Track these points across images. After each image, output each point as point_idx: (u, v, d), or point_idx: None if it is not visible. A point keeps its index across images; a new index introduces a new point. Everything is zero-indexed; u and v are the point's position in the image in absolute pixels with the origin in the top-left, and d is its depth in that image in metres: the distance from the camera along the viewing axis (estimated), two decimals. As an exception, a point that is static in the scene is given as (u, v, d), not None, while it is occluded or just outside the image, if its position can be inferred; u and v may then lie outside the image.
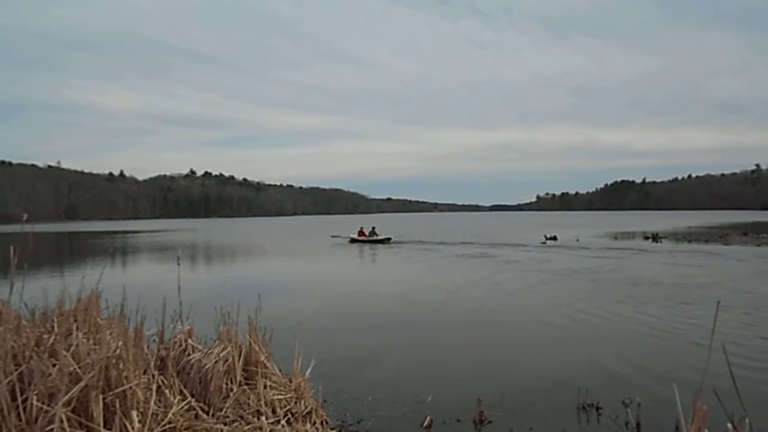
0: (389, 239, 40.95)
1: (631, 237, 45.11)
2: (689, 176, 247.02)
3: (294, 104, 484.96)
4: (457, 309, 12.88)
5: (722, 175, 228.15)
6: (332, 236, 45.01)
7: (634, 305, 12.82)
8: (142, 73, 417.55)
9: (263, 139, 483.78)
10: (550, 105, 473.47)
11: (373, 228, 43.68)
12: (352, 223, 75.14)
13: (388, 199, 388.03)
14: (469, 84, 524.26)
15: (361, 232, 43.00)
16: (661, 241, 37.59)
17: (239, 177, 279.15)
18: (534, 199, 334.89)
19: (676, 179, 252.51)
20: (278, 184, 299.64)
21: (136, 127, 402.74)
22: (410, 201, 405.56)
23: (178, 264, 7.89)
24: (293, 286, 17.26)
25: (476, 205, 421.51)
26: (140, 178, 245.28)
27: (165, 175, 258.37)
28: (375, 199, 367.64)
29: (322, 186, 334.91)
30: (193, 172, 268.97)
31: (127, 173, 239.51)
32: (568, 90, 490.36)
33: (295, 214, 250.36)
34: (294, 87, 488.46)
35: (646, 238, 41.62)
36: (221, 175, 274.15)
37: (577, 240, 39.60)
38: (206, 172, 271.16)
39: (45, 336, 5.22)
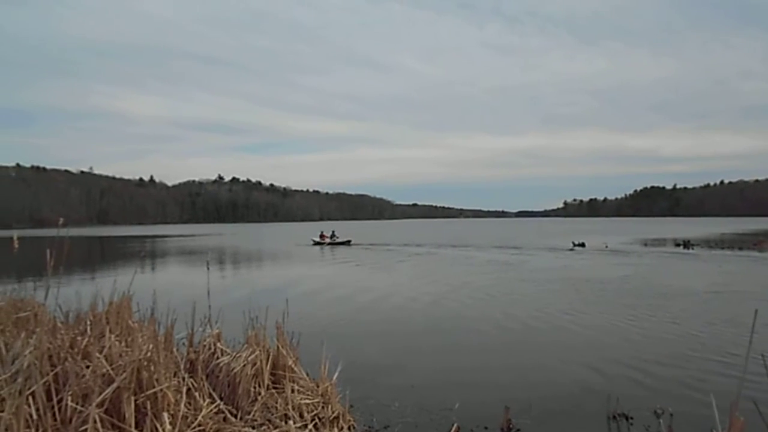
0: (349, 242, 47.27)
1: (662, 244, 44.24)
2: (721, 182, 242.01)
3: (319, 110, 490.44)
4: (482, 314, 12.79)
5: (756, 180, 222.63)
6: (312, 240, 50.02)
7: (666, 313, 12.56)
8: (167, 79, 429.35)
9: (289, 145, 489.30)
10: (575, 110, 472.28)
11: (333, 231, 50.85)
12: (381, 228, 76.13)
13: (414, 205, 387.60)
14: (494, 89, 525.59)
15: (322, 236, 49.30)
16: (693, 248, 36.75)
17: (266, 183, 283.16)
18: (561, 205, 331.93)
19: (707, 185, 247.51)
20: (304, 189, 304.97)
21: (164, 133, 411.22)
22: (436, 207, 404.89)
23: (208, 268, 7.93)
24: (316, 290, 17.38)
25: (502, 211, 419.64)
26: (169, 183, 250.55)
27: (193, 181, 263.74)
28: (401, 205, 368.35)
29: (348, 192, 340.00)
30: (220, 178, 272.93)
31: (156, 179, 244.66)
32: (593, 94, 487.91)
33: (321, 219, 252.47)
34: (318, 93, 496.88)
35: (678, 245, 40.75)
36: (248, 180, 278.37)
37: (606, 246, 39.00)
38: (233, 178, 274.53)
39: (79, 338, 5.34)
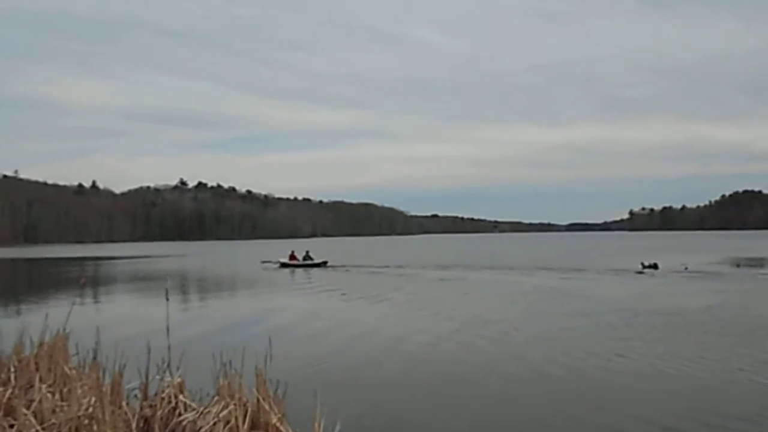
0: (325, 263, 50.29)
1: (759, 265, 43.92)
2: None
3: (310, 96, 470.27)
4: (514, 354, 12.71)
5: None
6: (262, 262, 52.72)
7: (763, 356, 12.41)
8: (116, 57, 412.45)
9: (272, 140, 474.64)
10: (643, 92, 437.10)
11: (307, 252, 52.75)
12: (390, 247, 76.08)
13: (434, 217, 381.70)
14: (537, 68, 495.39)
15: (292, 256, 51.90)
16: (800, 271, 36.44)
17: (241, 189, 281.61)
18: (626, 216, 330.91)
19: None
20: (291, 197, 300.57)
21: (110, 127, 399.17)
22: (462, 219, 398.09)
23: (167, 299, 7.87)
24: (297, 324, 17.70)
25: (549, 224, 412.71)
26: (117, 190, 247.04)
27: (148, 187, 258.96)
28: (416, 217, 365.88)
29: (348, 200, 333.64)
30: (183, 183, 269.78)
31: (100, 185, 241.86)
32: (666, 73, 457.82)
33: (313, 235, 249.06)
34: (309, 75, 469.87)
35: (780, 265, 40.40)
36: (219, 186, 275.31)
37: (686, 268, 38.72)
38: (200, 183, 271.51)
39: (0, 389, 5.33)
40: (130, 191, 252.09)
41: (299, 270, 46.58)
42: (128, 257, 78.04)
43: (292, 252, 53.20)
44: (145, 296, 27.81)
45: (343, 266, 48.80)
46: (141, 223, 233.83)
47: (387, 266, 47.76)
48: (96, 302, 25.46)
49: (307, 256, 51.43)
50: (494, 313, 19.91)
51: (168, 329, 6.86)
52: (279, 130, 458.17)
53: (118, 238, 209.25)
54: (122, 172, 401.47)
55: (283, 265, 50.16)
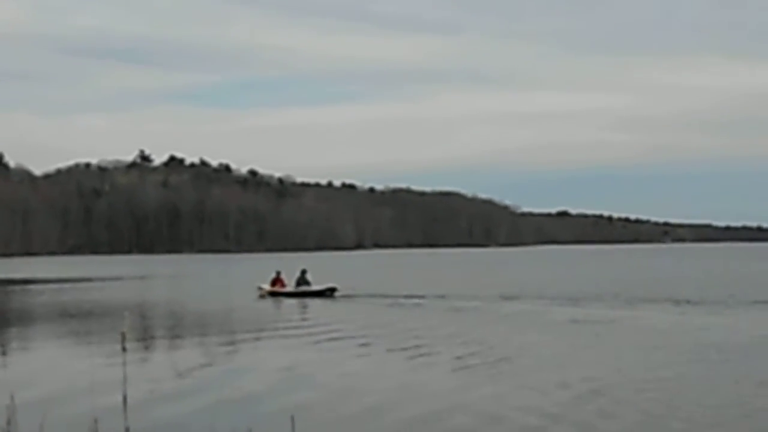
0: (332, 290, 37.02)
1: None
2: None
3: (351, 11, 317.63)
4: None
5: None
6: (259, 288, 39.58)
7: None
8: None
9: (288, 87, 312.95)
10: None
11: (303, 272, 39.02)
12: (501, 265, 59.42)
13: (561, 215, 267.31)
14: None
15: (276, 280, 38.86)
16: None
17: (241, 168, 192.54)
18: None
19: None
20: (323, 183, 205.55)
21: (23, 65, 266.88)
22: (608, 219, 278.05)
23: (124, 349, 6.44)
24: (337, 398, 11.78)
25: (759, 228, 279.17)
26: (37, 170, 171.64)
27: (87, 166, 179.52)
28: (531, 215, 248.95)
29: (417, 187, 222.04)
30: (145, 159, 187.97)
31: (9, 161, 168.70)
32: None
33: (359, 246, 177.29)
34: None
35: None
36: (203, 164, 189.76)
37: None
38: (172, 159, 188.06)
39: None
40: (58, 172, 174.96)
41: (293, 301, 35.39)
42: (56, 280, 57.99)
43: (278, 274, 39.26)
44: (86, 343, 21.01)
45: (370, 295, 36.72)
46: (76, 223, 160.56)
47: (476, 298, 33.77)
48: (5, 353, 19.20)
49: (302, 279, 38.29)
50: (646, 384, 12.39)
51: (125, 400, 5.62)
52: (300, 70, 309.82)
53: (40, 248, 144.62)
54: (45, 141, 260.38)
55: (269, 294, 37.83)
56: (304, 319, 28.63)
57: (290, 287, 38.25)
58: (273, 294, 37.93)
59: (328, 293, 36.80)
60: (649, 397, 11.18)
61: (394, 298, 35.27)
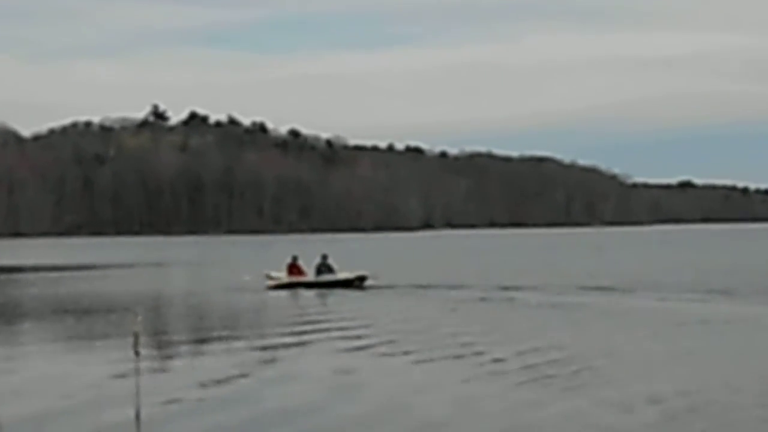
0: (362, 279, 33.51)
1: None
2: None
3: None
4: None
5: None
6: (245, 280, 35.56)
7: None
8: None
9: (337, 26, 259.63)
10: None
11: (324, 257, 35.29)
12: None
13: (684, 186, 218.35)
14: None
15: (293, 267, 35.02)
16: None
17: (279, 128, 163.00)
18: None
19: None
20: (382, 146, 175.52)
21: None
22: (745, 190, 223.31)
23: (137, 353, 5.81)
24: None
25: None
26: (26, 131, 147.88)
27: (87, 125, 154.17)
28: (646, 187, 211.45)
29: (501, 151, 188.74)
30: (158, 116, 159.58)
31: None
32: None
33: (429, 226, 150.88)
34: None
35: None
36: (232, 122, 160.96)
37: None
38: (192, 116, 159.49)
39: None
40: (51, 133, 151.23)
41: (311, 293, 31.61)
42: (50, 268, 52.49)
43: (294, 259, 35.22)
44: (90, 348, 18.60)
45: (414, 286, 32.42)
46: (74, 197, 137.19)
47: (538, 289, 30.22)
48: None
49: (324, 266, 34.28)
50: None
51: (138, 417, 5.05)
52: (351, 5, 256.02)
53: (29, 227, 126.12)
54: (35, 94, 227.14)
55: (279, 287, 33.52)
56: (326, 316, 25.58)
57: (310, 276, 34.49)
58: (287, 285, 33.81)
59: (357, 283, 33.14)
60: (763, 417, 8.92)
61: (450, 290, 31.26)
